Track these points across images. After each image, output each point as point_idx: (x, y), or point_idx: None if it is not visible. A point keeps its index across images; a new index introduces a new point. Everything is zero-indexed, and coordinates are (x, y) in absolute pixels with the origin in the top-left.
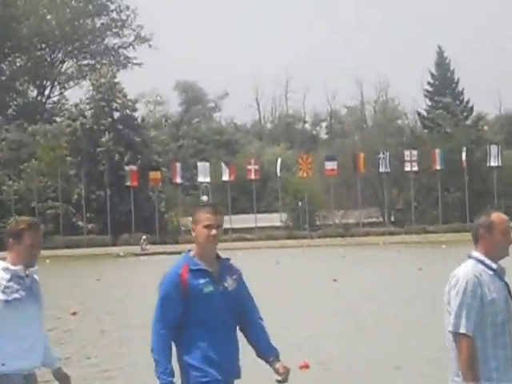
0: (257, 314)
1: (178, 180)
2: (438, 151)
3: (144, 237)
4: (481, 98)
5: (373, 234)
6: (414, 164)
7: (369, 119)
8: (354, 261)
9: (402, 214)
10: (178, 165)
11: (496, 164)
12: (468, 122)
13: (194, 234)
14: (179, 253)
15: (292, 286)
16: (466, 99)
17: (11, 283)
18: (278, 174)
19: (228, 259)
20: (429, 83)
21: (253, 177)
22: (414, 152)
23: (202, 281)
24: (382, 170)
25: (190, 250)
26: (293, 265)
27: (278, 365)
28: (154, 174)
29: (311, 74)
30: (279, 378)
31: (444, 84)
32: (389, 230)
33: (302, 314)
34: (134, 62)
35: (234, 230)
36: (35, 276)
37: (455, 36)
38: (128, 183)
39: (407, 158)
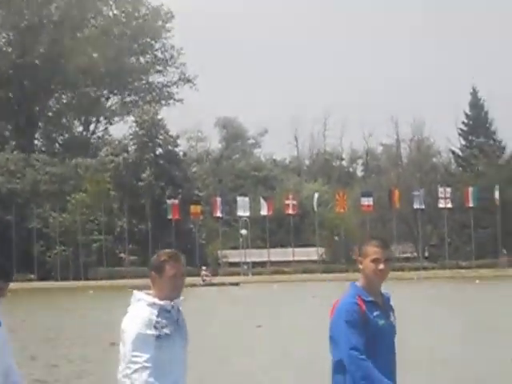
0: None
1: (219, 214)
2: (471, 189)
3: (204, 267)
4: None
5: (407, 268)
6: (448, 201)
7: (404, 157)
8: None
9: (435, 249)
10: (219, 199)
11: None
12: (501, 161)
13: (361, 266)
14: (236, 284)
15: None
16: (499, 138)
17: (160, 318)
18: (315, 208)
19: (389, 295)
20: (463, 123)
21: (290, 211)
22: (448, 189)
23: (375, 313)
24: (416, 206)
25: (354, 282)
26: (329, 298)
27: None
28: (194, 208)
29: (349, 112)
30: None
31: (478, 124)
32: (423, 265)
33: None
34: (177, 98)
35: (272, 263)
36: (180, 307)
37: (490, 76)
38: (169, 216)
39: (441, 195)
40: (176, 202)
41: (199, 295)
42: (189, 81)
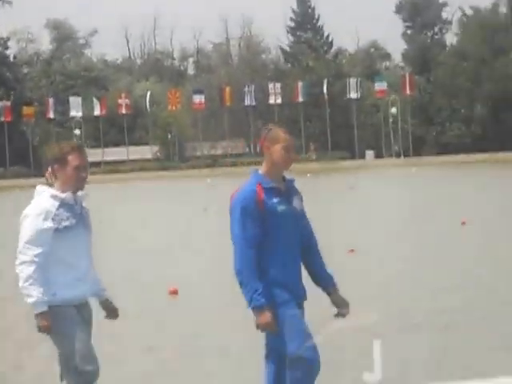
0: (315, 240)
1: (51, 115)
2: (300, 84)
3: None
4: (340, 33)
5: (239, 164)
6: (278, 97)
7: (234, 55)
8: (222, 190)
9: None
10: (51, 100)
11: (355, 96)
12: (328, 56)
13: (267, 152)
14: None
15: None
16: (326, 34)
17: (61, 210)
18: (148, 107)
19: (292, 180)
20: (291, 19)
21: (124, 111)
22: (278, 85)
23: (275, 199)
24: (247, 103)
25: (256, 170)
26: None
27: (336, 296)
28: (27, 110)
29: (179, 10)
30: (337, 311)
31: (305, 20)
32: (255, 160)
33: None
34: (5, 0)
35: (107, 163)
36: (83, 201)
37: None
38: (1, 119)
39: (271, 91)
40: (8, 103)
41: None
42: None
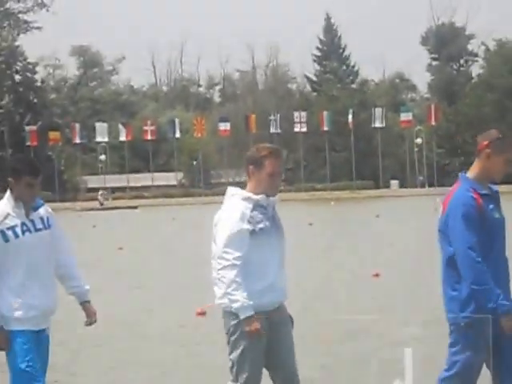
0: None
1: (77, 140)
2: (325, 113)
3: (101, 191)
4: (366, 63)
5: None
6: (303, 125)
7: (260, 83)
8: None
9: (292, 173)
10: (77, 125)
11: (380, 125)
12: (354, 86)
13: (484, 160)
14: (135, 207)
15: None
16: (352, 64)
17: (255, 213)
18: (178, 134)
19: (495, 187)
20: (317, 48)
21: (149, 137)
22: (303, 114)
23: (491, 206)
24: (272, 130)
25: (464, 174)
26: (189, 220)
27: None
28: (53, 135)
29: (205, 38)
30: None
31: (331, 49)
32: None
33: None
34: (34, 25)
35: (132, 189)
36: (275, 205)
37: (343, 1)
38: (28, 143)
39: (296, 120)
40: (34, 128)
41: (104, 218)
42: (45, 6)
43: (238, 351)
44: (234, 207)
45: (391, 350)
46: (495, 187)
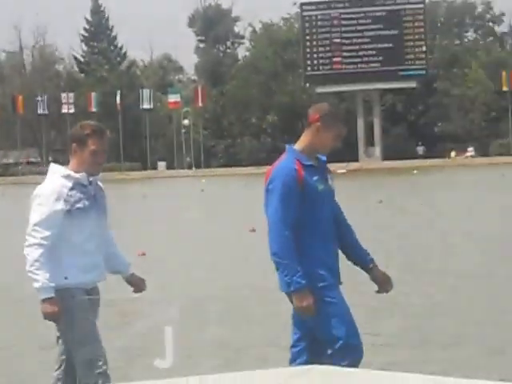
0: (345, 217)
1: None
2: (93, 94)
3: None
4: (134, 45)
5: (31, 173)
6: (71, 106)
7: (27, 64)
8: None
9: (60, 154)
10: None
11: (148, 107)
12: (122, 67)
13: (315, 130)
14: None
15: None
16: (120, 45)
17: (74, 192)
18: None
19: (323, 157)
20: (84, 29)
21: None
22: (71, 95)
23: (315, 178)
24: (40, 111)
25: (291, 146)
26: None
27: (376, 272)
28: None
29: None
30: (378, 286)
31: (99, 30)
32: (46, 169)
33: None
34: None
35: None
36: (99, 183)
37: None
38: None
39: (64, 101)
40: None
41: None
42: None
43: (70, 326)
44: (52, 185)
45: (151, 329)
46: (323, 157)
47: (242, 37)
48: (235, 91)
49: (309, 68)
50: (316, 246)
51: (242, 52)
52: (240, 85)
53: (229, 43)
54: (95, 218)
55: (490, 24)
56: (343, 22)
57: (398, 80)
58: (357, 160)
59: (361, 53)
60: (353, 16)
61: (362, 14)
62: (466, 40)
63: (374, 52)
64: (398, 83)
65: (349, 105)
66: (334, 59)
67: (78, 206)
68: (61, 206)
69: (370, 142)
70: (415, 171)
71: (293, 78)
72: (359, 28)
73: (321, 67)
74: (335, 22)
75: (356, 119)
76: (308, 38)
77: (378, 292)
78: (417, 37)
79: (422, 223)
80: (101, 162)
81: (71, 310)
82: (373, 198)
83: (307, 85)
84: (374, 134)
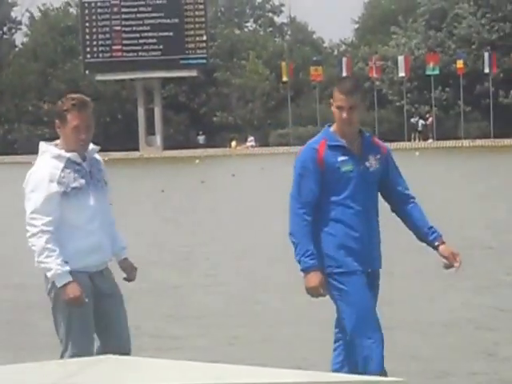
0: (409, 192)
1: None
2: None
3: None
4: None
5: None
6: None
7: None
8: None
9: None
10: None
11: None
12: None
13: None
14: None
15: None
16: None
17: (67, 171)
18: None
19: (371, 136)
20: None
21: None
22: None
23: (340, 158)
24: None
25: (329, 125)
26: None
27: (442, 248)
28: None
29: None
30: (446, 262)
31: None
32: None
33: None
34: None
35: None
36: (96, 156)
37: None
38: None
39: None
40: None
41: None
42: None
43: (64, 319)
44: (43, 167)
45: None
46: (369, 136)
47: (20, 22)
48: (12, 78)
49: (88, 55)
50: (336, 228)
51: (19, 38)
52: (17, 72)
53: (6, 29)
54: (95, 196)
55: (270, 14)
56: (123, 10)
57: (179, 69)
58: (137, 149)
59: (141, 41)
60: (133, 4)
61: (142, 2)
62: (246, 30)
63: (154, 40)
64: (178, 72)
65: (129, 93)
66: (114, 47)
67: (74, 185)
68: (55, 188)
69: (151, 130)
70: (197, 161)
71: (72, 65)
72: (139, 16)
73: (100, 55)
74: (115, 9)
75: (137, 107)
76: (87, 24)
77: (446, 267)
78: (197, 26)
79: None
80: (84, 139)
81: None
82: (155, 188)
83: (87, 72)
84: (155, 123)
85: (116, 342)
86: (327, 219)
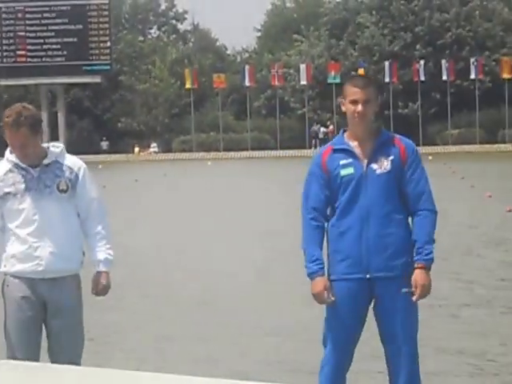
0: (421, 201)
1: None
2: None
3: None
4: None
5: None
6: None
7: None
8: None
9: None
10: None
11: None
12: None
13: (343, 108)
14: None
15: None
16: None
17: (10, 175)
18: None
19: (389, 135)
20: None
21: None
22: None
23: (342, 162)
24: None
25: (345, 130)
26: None
27: (415, 272)
28: None
29: None
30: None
31: None
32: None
33: None
34: None
35: None
36: (61, 160)
37: None
38: None
39: None
40: None
41: None
42: None
43: (4, 321)
44: None
45: None
46: (388, 136)
47: None
48: None
49: None
50: (335, 234)
51: None
52: None
53: None
54: (36, 202)
55: (174, 22)
56: (28, 16)
57: (83, 75)
58: None
59: (45, 46)
60: (37, 9)
61: (46, 8)
62: (150, 37)
63: (58, 46)
64: (82, 78)
65: (34, 98)
66: (19, 52)
67: (7, 190)
68: None
69: (54, 135)
70: (100, 166)
71: None
72: (44, 22)
73: (5, 60)
74: (19, 14)
75: (41, 112)
76: None
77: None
78: (101, 32)
79: None
80: (21, 155)
81: (4, 299)
82: None
83: None
84: (59, 128)
85: (56, 350)
86: (330, 224)
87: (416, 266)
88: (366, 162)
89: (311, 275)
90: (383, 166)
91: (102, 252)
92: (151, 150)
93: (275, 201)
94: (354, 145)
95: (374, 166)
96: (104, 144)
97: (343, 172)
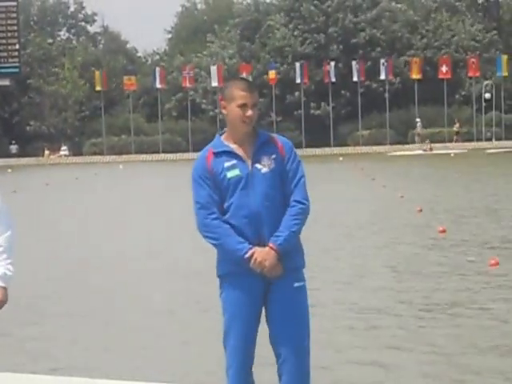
0: (294, 195)
1: None
2: None
3: None
4: None
5: None
6: None
7: None
8: None
9: None
10: None
11: None
12: None
13: (224, 112)
14: None
15: None
16: None
17: None
18: None
19: (267, 135)
20: None
21: None
22: None
23: (226, 164)
24: None
25: (220, 134)
26: None
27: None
28: None
29: None
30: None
31: None
32: None
33: None
34: None
35: None
36: None
37: None
38: None
39: None
40: None
41: None
42: None
43: None
44: None
45: None
46: (265, 137)
47: None
48: None
49: None
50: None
51: None
52: None
53: None
54: None
55: (83, 23)
56: None
57: None
58: None
59: None
60: None
61: None
62: (59, 39)
63: None
64: None
65: None
66: None
67: None
68: None
69: None
70: (10, 170)
71: None
72: None
73: None
74: None
75: None
76: None
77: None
78: (10, 35)
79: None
80: None
81: None
82: None
83: None
84: None
85: None
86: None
87: (269, 244)
88: (250, 162)
89: (247, 251)
90: (267, 164)
91: (1, 267)
92: (61, 153)
93: (180, 202)
94: (233, 147)
95: (259, 165)
96: (13, 147)
97: (229, 174)
